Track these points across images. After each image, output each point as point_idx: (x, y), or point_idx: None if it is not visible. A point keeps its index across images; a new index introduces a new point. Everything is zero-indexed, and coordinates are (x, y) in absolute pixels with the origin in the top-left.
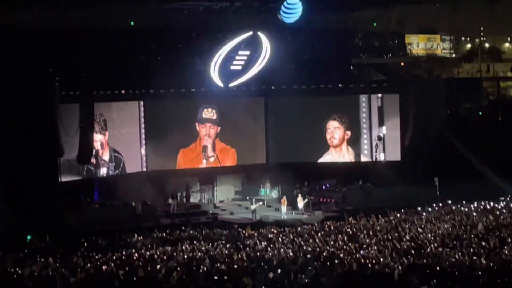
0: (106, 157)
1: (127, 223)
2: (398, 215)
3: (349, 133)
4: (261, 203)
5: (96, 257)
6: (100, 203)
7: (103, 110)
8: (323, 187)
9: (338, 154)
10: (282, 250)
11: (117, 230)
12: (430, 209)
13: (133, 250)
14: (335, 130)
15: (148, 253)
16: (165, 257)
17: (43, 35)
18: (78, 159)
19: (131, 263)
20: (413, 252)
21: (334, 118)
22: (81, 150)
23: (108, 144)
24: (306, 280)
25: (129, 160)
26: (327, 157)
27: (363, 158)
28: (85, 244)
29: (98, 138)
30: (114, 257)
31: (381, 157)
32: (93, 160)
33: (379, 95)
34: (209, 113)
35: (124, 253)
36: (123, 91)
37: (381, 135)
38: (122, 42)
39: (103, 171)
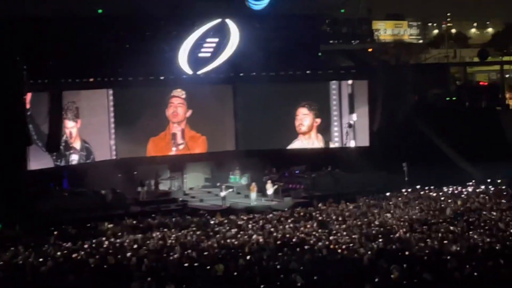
0: (77, 145)
1: (97, 211)
2: (367, 200)
3: (318, 120)
4: (230, 189)
5: (66, 245)
6: (69, 191)
7: (74, 99)
8: (293, 173)
9: (307, 141)
10: (252, 236)
11: (87, 218)
12: (399, 194)
13: (103, 238)
14: (304, 117)
15: (118, 241)
16: (135, 245)
17: (11, 23)
18: (47, 147)
19: (102, 251)
20: (382, 237)
21: (303, 105)
22: (49, 139)
23: (79, 133)
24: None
25: (99, 149)
26: (296, 144)
27: (333, 145)
28: (55, 232)
29: (70, 125)
30: (85, 245)
31: (352, 144)
32: (62, 148)
33: (350, 82)
34: (178, 92)
35: (94, 241)
36: (91, 79)
37: (352, 122)
38: (91, 29)
39: (74, 158)
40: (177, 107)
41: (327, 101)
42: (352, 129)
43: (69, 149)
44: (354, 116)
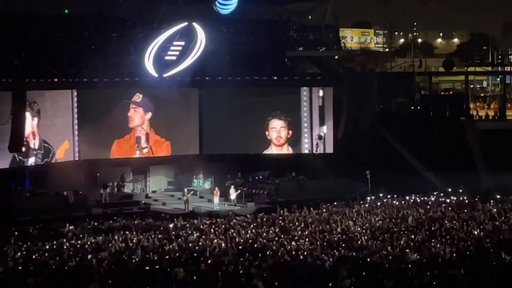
0: (35, 145)
1: (58, 212)
2: (330, 207)
3: (290, 132)
4: (192, 192)
5: (27, 246)
6: (31, 192)
7: (37, 99)
8: (256, 178)
9: (279, 151)
10: (214, 241)
11: (48, 219)
12: (361, 202)
13: (64, 240)
14: (281, 129)
15: (79, 242)
16: (96, 247)
17: None
18: (9, 147)
19: (62, 252)
20: (343, 244)
21: (279, 117)
22: (12, 138)
23: (38, 132)
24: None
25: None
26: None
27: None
28: (16, 233)
29: (28, 124)
30: (45, 247)
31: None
32: (23, 148)
33: (321, 94)
34: (135, 96)
35: (55, 242)
36: (56, 79)
37: (322, 134)
38: (56, 29)
39: (31, 160)
40: (132, 112)
41: (298, 113)
42: (322, 141)
43: (28, 148)
44: (325, 128)
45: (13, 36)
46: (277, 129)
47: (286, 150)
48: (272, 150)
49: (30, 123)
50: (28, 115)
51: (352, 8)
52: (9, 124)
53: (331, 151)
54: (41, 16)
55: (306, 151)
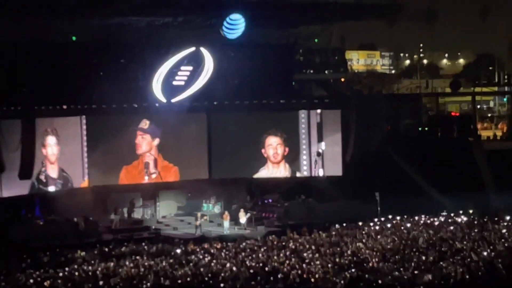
0: (54, 174)
1: (69, 239)
2: (340, 229)
3: (287, 149)
4: (206, 217)
5: (39, 273)
6: (42, 219)
7: (49, 127)
8: (265, 202)
9: (276, 170)
10: (226, 265)
11: (59, 246)
12: (371, 224)
13: (76, 266)
14: (278, 146)
15: (90, 268)
16: (108, 273)
17: None
18: (19, 175)
19: (74, 279)
20: (355, 266)
21: (275, 134)
22: (22, 166)
23: (57, 160)
24: None
25: (74, 177)
26: (263, 172)
27: (300, 175)
28: (28, 260)
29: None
30: (57, 273)
31: (320, 173)
32: (42, 176)
33: (318, 111)
34: (142, 123)
35: (66, 269)
36: (65, 106)
37: (320, 151)
38: (64, 56)
39: (51, 188)
40: (140, 139)
41: (296, 130)
42: (320, 157)
43: (46, 177)
44: (323, 145)
45: (21, 63)
46: (273, 146)
47: (283, 167)
48: (269, 168)
49: (54, 150)
50: (53, 142)
51: (357, 31)
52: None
53: (340, 173)
54: (49, 43)
55: (305, 168)
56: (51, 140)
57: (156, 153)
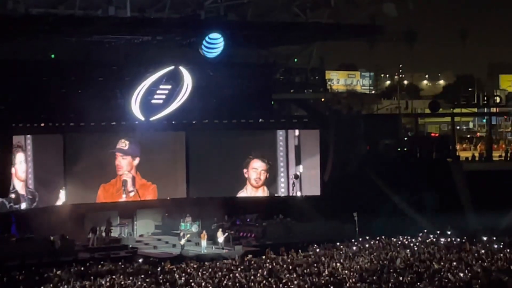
0: (22, 190)
1: (45, 257)
2: (318, 250)
3: (267, 174)
4: (189, 236)
5: None
6: (17, 237)
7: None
8: (243, 221)
9: (254, 192)
10: (202, 284)
11: (35, 265)
12: (349, 244)
13: (51, 285)
14: (261, 172)
15: (66, 287)
16: None
17: None
18: None
19: None
20: (332, 287)
21: (262, 159)
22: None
23: (26, 177)
24: None
25: (48, 193)
26: (242, 194)
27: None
28: (3, 278)
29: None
30: None
31: (298, 195)
32: (12, 194)
33: (296, 133)
34: (121, 143)
35: (42, 287)
36: (42, 124)
37: (298, 173)
38: (43, 74)
39: (23, 205)
40: (120, 160)
41: (274, 153)
42: (298, 180)
43: (18, 194)
44: (301, 168)
45: None
46: (258, 170)
47: (262, 191)
48: (247, 190)
49: (23, 167)
50: (22, 159)
51: (337, 51)
52: None
53: (318, 193)
54: (28, 60)
55: (282, 190)
56: (19, 157)
57: (134, 171)
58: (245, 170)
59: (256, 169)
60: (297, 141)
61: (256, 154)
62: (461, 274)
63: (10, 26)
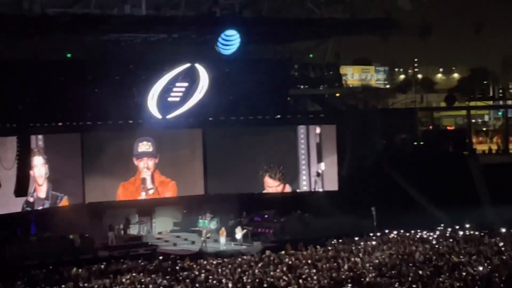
0: (43, 194)
1: (65, 256)
2: (336, 245)
3: (287, 186)
4: (210, 235)
5: None
6: (37, 236)
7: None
8: (262, 217)
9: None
10: (222, 281)
11: (54, 263)
12: (367, 239)
13: (72, 283)
14: (276, 187)
15: (86, 285)
16: None
17: None
18: (15, 192)
19: None
20: (351, 282)
21: (273, 177)
22: (18, 183)
23: (46, 180)
24: None
25: (69, 193)
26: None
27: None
28: (24, 278)
29: (38, 173)
30: None
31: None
32: (30, 198)
33: (318, 131)
34: (144, 146)
35: (62, 286)
36: (60, 123)
37: (320, 171)
38: (59, 73)
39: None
40: (148, 161)
41: (295, 151)
42: (320, 178)
43: (34, 198)
44: (322, 165)
45: (16, 81)
46: (272, 187)
47: (283, 189)
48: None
49: (42, 171)
50: (40, 162)
51: (352, 46)
52: (14, 169)
53: (336, 188)
54: (44, 60)
55: (305, 188)
56: (37, 160)
57: (153, 169)
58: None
59: (270, 187)
60: (318, 138)
61: (266, 169)
62: (481, 268)
63: (27, 26)
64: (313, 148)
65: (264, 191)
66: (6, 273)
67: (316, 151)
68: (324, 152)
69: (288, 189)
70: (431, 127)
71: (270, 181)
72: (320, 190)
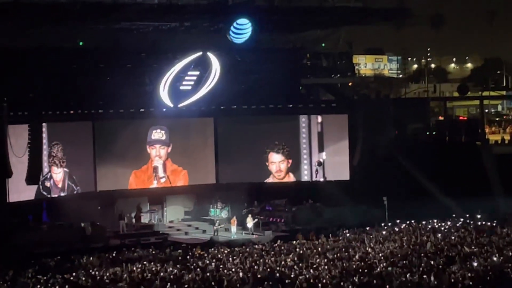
0: (60, 182)
1: (76, 244)
2: (348, 234)
3: (290, 161)
4: (223, 225)
5: (45, 278)
6: (48, 224)
7: (57, 138)
8: (273, 206)
9: (280, 180)
10: (232, 270)
11: (66, 251)
12: (378, 229)
13: (82, 271)
14: (280, 163)
15: (97, 273)
16: (115, 278)
17: None
18: (26, 180)
19: (80, 284)
20: (362, 271)
21: (276, 150)
22: (29, 171)
23: (65, 177)
24: None
25: (81, 182)
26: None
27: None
28: (35, 265)
29: (57, 171)
30: (64, 279)
31: (321, 181)
32: (47, 183)
33: (319, 120)
34: (157, 134)
35: (74, 274)
36: (72, 112)
37: (321, 160)
38: (71, 62)
39: (54, 195)
40: (160, 149)
41: (297, 140)
42: (321, 167)
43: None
44: (324, 155)
45: (28, 69)
46: (276, 163)
47: (287, 178)
48: (274, 179)
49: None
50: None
51: (365, 35)
52: (26, 156)
53: (347, 178)
54: (56, 48)
55: (306, 178)
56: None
57: (165, 157)
58: (266, 163)
59: (274, 162)
60: (320, 127)
61: (271, 146)
62: (494, 258)
63: (39, 14)
64: (315, 137)
65: (268, 180)
66: (18, 261)
67: (317, 140)
68: (326, 141)
69: (291, 177)
70: (440, 117)
71: (274, 155)
72: (321, 179)
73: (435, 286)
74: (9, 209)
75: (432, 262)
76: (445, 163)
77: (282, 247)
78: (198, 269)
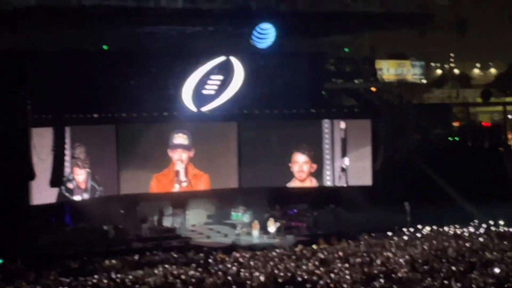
0: (82, 184)
1: (98, 247)
2: (369, 239)
3: (314, 166)
4: (245, 229)
5: (68, 280)
6: (71, 226)
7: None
8: (295, 211)
9: (301, 184)
10: (254, 274)
11: (88, 254)
12: (400, 234)
13: (105, 274)
14: (303, 164)
15: (119, 276)
16: (137, 281)
17: (15, 57)
18: (50, 182)
19: (102, 287)
20: (383, 276)
21: (301, 151)
22: (53, 173)
23: (87, 179)
24: None
25: (104, 183)
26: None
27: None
28: (57, 267)
29: (79, 173)
30: (86, 281)
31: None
32: (70, 185)
33: (342, 126)
34: (180, 138)
35: (96, 276)
36: (95, 115)
37: (344, 166)
38: (95, 65)
39: (76, 197)
40: (182, 154)
41: (319, 146)
42: (344, 173)
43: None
44: (346, 160)
45: (53, 72)
46: (299, 163)
47: (309, 182)
48: (295, 183)
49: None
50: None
51: (388, 40)
52: (50, 159)
53: (369, 183)
54: (80, 52)
55: (328, 183)
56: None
57: (186, 162)
58: (290, 164)
59: (297, 162)
60: (343, 134)
61: (297, 147)
62: None
63: (63, 17)
64: (338, 143)
65: (291, 185)
66: (40, 263)
67: (340, 146)
68: (349, 147)
69: (314, 182)
70: (457, 123)
71: (299, 156)
72: (344, 185)
73: None
74: (33, 211)
75: (453, 268)
76: (467, 168)
77: (304, 252)
78: (220, 273)
